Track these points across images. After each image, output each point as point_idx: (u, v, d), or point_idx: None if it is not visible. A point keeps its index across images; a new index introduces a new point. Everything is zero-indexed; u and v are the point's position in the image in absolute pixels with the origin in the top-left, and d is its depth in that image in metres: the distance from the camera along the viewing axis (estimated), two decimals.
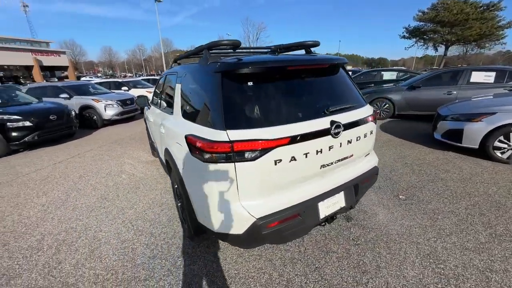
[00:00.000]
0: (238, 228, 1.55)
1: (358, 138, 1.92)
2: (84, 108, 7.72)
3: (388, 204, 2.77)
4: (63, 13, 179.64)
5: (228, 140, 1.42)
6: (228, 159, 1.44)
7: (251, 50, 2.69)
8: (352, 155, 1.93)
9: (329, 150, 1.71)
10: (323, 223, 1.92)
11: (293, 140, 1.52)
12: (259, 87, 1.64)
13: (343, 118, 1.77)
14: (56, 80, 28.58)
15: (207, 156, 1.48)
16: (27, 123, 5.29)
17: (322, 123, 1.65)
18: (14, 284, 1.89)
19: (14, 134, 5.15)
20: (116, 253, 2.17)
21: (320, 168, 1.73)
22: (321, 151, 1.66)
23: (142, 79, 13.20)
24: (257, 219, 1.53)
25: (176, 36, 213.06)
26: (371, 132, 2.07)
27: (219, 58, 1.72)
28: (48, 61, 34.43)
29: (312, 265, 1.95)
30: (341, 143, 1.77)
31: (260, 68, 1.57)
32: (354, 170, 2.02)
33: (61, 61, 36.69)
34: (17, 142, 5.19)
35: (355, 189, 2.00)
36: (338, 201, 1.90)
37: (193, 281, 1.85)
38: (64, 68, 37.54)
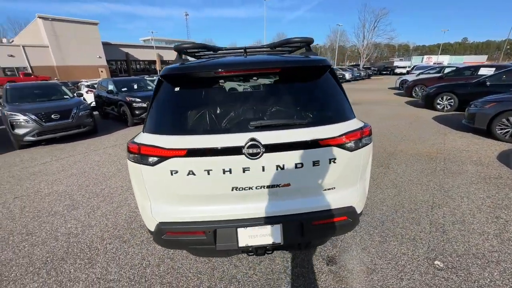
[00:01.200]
0: (150, 225, 1.64)
1: (299, 166, 1.45)
2: None
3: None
4: (206, 18, 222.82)
5: (138, 142, 1.50)
6: (137, 160, 1.52)
7: (229, 51, 2.30)
8: (289, 184, 1.51)
9: (244, 172, 1.43)
10: (251, 253, 1.65)
11: (190, 153, 1.40)
12: (185, 93, 1.60)
13: (272, 136, 1.42)
14: None
15: (129, 154, 1.63)
16: (144, 105, 7.34)
17: (237, 139, 1.40)
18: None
19: (136, 112, 7.39)
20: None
21: (232, 190, 1.49)
22: (230, 171, 1.43)
23: None
24: (158, 222, 1.55)
25: (293, 30, 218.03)
26: (334, 161, 1.47)
27: (186, 61, 1.75)
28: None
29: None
30: (263, 167, 1.43)
31: (185, 73, 1.54)
32: (299, 204, 1.56)
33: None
34: (137, 118, 7.46)
35: (302, 227, 1.56)
36: (269, 234, 1.57)
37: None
38: None
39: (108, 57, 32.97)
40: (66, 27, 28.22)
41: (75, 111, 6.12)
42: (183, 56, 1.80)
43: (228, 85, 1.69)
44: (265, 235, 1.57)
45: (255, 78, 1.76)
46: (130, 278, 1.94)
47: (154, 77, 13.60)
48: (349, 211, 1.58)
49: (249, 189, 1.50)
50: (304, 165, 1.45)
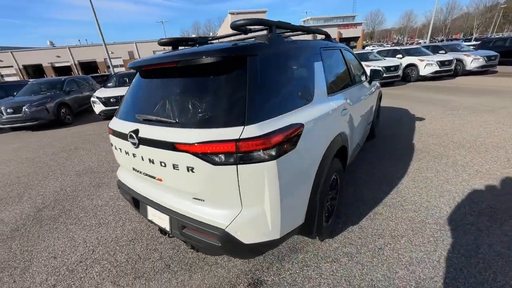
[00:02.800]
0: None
1: (163, 165, 1.41)
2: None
3: None
4: None
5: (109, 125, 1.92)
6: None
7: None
8: (161, 180, 1.51)
9: (134, 157, 1.61)
10: (170, 235, 1.69)
11: (112, 132, 1.79)
12: (134, 84, 1.89)
13: (149, 131, 1.45)
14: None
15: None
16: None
17: (127, 127, 1.60)
18: None
19: None
20: None
21: (132, 170, 1.71)
22: (127, 153, 1.67)
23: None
24: (118, 180, 2.04)
25: None
26: (192, 170, 1.29)
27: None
28: (347, 33, 43.48)
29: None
30: (142, 157, 1.53)
31: (134, 67, 1.76)
32: (175, 203, 1.51)
33: (356, 32, 44.08)
34: None
35: (181, 227, 1.50)
36: (163, 220, 1.60)
37: None
38: (356, 39, 44.28)
39: None
40: (243, 17, 29.92)
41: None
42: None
43: (150, 78, 1.75)
44: (162, 219, 1.60)
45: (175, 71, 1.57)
46: None
47: None
48: (219, 233, 1.31)
49: (140, 173, 1.63)
50: (167, 165, 1.39)
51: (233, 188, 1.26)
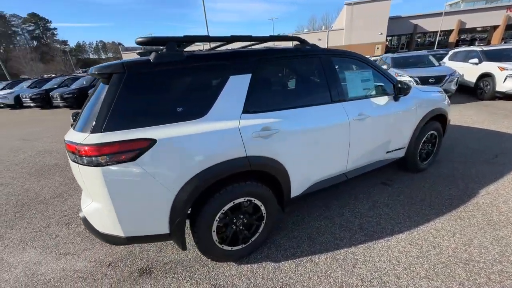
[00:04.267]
0: None
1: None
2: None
3: None
4: None
5: None
6: None
7: None
8: None
9: None
10: None
11: None
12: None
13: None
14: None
15: None
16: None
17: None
18: None
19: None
20: None
21: None
22: None
23: None
24: None
25: None
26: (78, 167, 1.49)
27: None
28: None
29: None
30: None
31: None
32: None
33: None
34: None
35: None
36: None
37: None
38: None
39: (391, 32, 33.31)
40: (361, 9, 30.73)
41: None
42: None
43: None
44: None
45: None
46: None
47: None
48: (81, 217, 1.72)
49: None
50: None
51: (82, 182, 1.55)
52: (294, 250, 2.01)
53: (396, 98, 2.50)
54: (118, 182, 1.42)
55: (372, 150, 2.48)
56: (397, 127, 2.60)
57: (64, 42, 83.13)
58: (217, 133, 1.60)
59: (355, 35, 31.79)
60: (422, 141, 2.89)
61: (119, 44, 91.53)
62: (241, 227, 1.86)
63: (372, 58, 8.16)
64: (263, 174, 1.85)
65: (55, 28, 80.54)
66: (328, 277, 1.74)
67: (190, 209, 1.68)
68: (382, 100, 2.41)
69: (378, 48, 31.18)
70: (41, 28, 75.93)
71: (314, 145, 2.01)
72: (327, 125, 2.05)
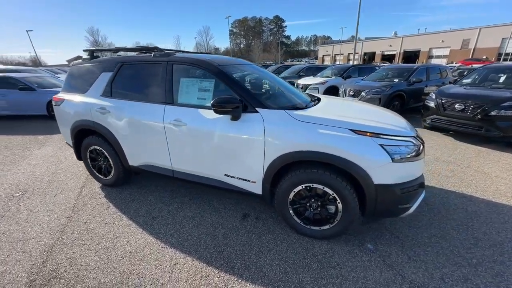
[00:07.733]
0: None
1: None
2: None
3: None
4: None
5: None
6: None
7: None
8: None
9: None
10: None
11: None
12: None
13: None
14: None
15: None
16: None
17: None
18: None
19: None
20: None
21: None
22: None
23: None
24: None
25: None
26: None
27: None
28: None
29: None
30: None
31: None
32: None
33: None
34: None
35: None
36: None
37: None
38: None
39: None
40: None
41: None
42: None
43: None
44: None
45: None
46: None
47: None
48: None
49: None
50: None
51: None
52: None
53: (234, 117, 2.05)
54: None
55: (200, 163, 2.38)
56: (233, 151, 2.16)
57: (287, 37, 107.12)
58: (84, 103, 2.80)
59: None
60: (293, 191, 2.04)
61: (328, 37, 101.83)
62: None
63: None
64: (87, 132, 2.94)
65: (285, 26, 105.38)
66: None
67: None
68: (212, 114, 2.12)
69: None
70: (277, 26, 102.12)
71: (135, 130, 2.55)
72: (142, 120, 2.49)
